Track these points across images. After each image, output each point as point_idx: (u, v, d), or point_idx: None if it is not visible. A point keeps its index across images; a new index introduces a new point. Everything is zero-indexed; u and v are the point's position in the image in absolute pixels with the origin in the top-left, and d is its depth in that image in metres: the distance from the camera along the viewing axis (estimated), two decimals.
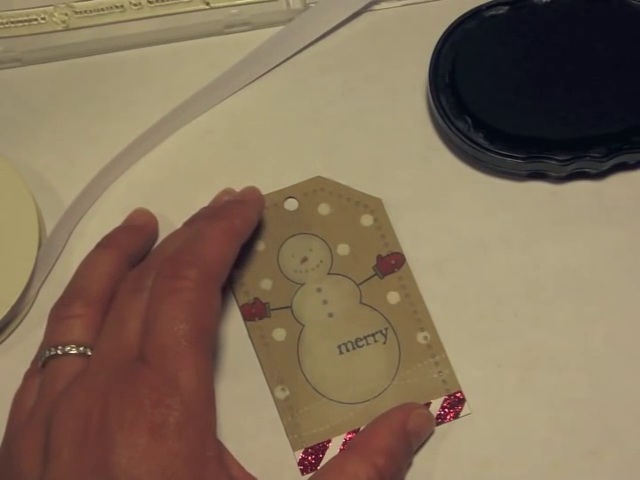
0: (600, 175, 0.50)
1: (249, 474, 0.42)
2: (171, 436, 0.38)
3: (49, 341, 0.44)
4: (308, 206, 0.50)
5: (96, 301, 0.44)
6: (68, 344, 0.43)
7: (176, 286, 0.41)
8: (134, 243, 0.47)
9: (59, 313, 0.44)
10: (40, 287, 0.49)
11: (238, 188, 0.50)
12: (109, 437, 0.38)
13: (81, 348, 0.42)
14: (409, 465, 0.45)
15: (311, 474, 0.44)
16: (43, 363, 0.43)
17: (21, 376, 0.47)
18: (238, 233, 0.45)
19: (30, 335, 0.48)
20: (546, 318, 0.48)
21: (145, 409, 0.38)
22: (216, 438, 0.40)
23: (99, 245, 0.47)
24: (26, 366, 0.47)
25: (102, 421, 0.38)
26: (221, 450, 0.41)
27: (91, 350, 0.42)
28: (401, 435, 0.44)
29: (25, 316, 0.48)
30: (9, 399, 0.46)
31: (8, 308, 0.47)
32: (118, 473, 0.37)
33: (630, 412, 0.46)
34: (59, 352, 0.43)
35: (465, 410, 0.46)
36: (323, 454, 0.46)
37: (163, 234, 0.50)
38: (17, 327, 0.48)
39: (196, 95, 0.52)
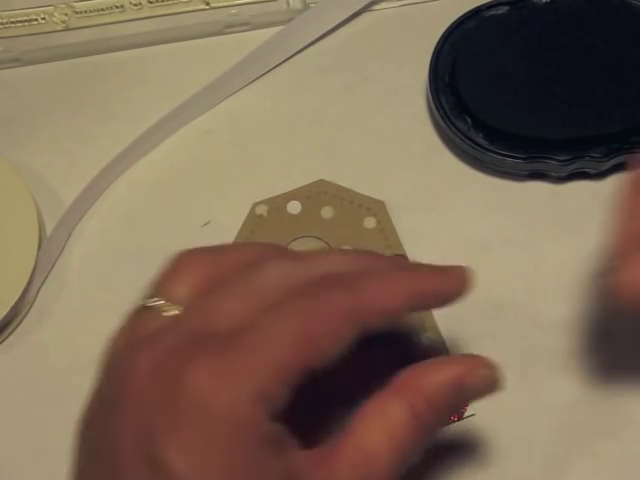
0: (600, 175, 0.50)
1: None
2: (217, 416, 0.33)
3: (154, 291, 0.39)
4: (311, 209, 0.50)
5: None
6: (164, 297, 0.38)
7: (311, 301, 0.35)
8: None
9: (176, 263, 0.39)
10: (40, 287, 0.49)
11: (240, 191, 0.50)
12: (152, 410, 0.34)
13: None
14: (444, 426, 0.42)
15: None
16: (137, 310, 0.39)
17: (21, 376, 0.47)
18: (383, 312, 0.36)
19: (30, 335, 0.48)
20: (546, 318, 0.48)
21: (189, 381, 0.33)
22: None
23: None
24: (27, 366, 0.48)
25: (149, 389, 0.34)
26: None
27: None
28: (453, 389, 0.37)
29: (25, 316, 0.48)
30: (9, 399, 0.46)
31: (8, 308, 0.47)
32: (159, 449, 0.33)
33: (630, 412, 0.46)
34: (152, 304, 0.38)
35: (469, 411, 0.46)
36: None
37: (162, 234, 0.50)
38: (17, 327, 0.48)
39: (196, 95, 0.52)
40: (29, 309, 0.49)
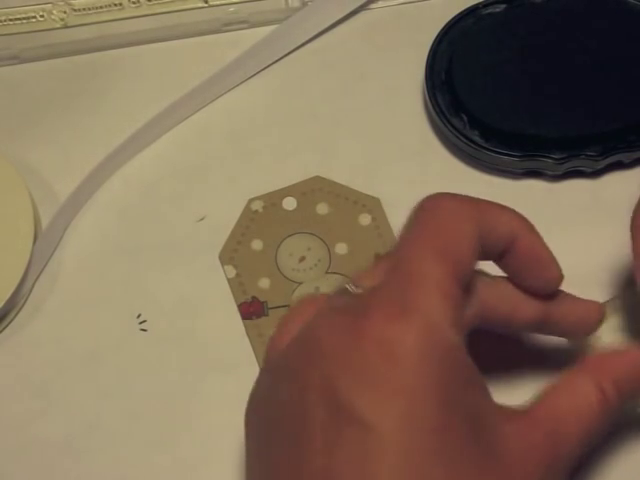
0: (595, 174, 0.50)
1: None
2: (408, 355, 0.33)
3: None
4: (307, 205, 0.50)
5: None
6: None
7: (429, 215, 0.37)
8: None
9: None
10: (35, 281, 0.49)
11: (236, 187, 0.50)
12: (337, 357, 0.34)
13: None
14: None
15: None
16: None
17: (15, 371, 0.47)
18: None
19: (24, 329, 0.48)
20: None
21: (377, 323, 0.34)
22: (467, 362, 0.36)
23: None
24: (21, 360, 0.48)
25: (332, 340, 0.35)
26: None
27: None
28: (637, 374, 0.39)
29: (20, 310, 0.49)
30: (4, 393, 0.46)
31: (2, 302, 0.47)
32: (346, 397, 0.34)
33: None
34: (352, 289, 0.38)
35: None
36: None
37: (157, 229, 0.50)
38: (11, 321, 0.48)
39: (192, 91, 0.52)
40: (24, 303, 0.49)
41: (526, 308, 0.41)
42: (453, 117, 0.50)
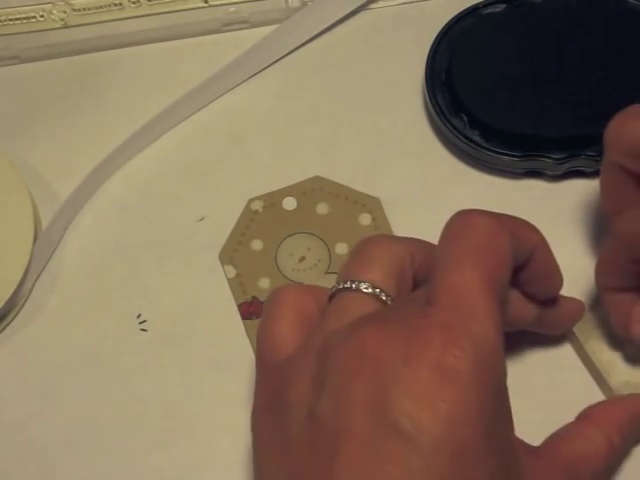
0: (595, 174, 0.50)
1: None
2: (462, 382, 0.34)
3: (345, 275, 0.40)
4: (307, 205, 0.50)
5: (406, 249, 0.41)
6: (363, 281, 0.39)
7: (465, 232, 0.38)
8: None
9: (363, 250, 0.41)
10: (35, 281, 0.49)
11: (236, 187, 0.50)
12: (389, 372, 0.35)
13: (377, 290, 0.39)
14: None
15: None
16: (332, 295, 0.39)
17: (15, 371, 0.47)
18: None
19: (24, 329, 0.48)
20: None
21: (434, 346, 0.34)
22: (507, 396, 0.37)
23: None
24: (21, 360, 0.48)
25: (384, 356, 0.35)
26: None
27: (386, 295, 0.39)
28: (636, 419, 0.43)
29: (20, 310, 0.49)
30: (4, 393, 0.46)
31: (3, 302, 0.47)
32: (396, 412, 0.34)
33: None
34: (353, 287, 0.39)
35: None
36: None
37: (157, 229, 0.50)
38: (11, 321, 0.48)
39: (193, 91, 0.52)
40: (24, 303, 0.49)
41: (527, 310, 0.42)
42: (453, 117, 0.50)
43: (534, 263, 0.40)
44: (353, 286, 0.39)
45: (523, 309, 0.42)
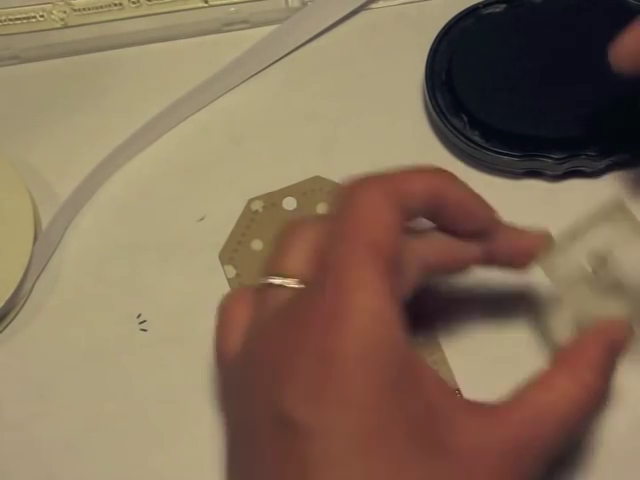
0: (595, 174, 0.50)
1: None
2: (347, 365, 0.34)
3: (265, 270, 0.40)
4: (307, 206, 0.50)
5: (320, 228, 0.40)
6: (278, 274, 0.39)
7: (348, 206, 0.38)
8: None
9: (278, 242, 0.41)
10: (35, 281, 0.49)
11: (236, 187, 0.50)
12: (280, 366, 0.36)
13: (287, 280, 0.39)
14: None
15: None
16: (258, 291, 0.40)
17: (15, 371, 0.47)
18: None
19: (25, 329, 0.48)
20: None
21: (314, 334, 0.35)
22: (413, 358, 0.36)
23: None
24: (21, 360, 0.48)
25: (279, 350, 0.36)
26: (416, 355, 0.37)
27: (298, 283, 0.39)
28: (608, 350, 0.40)
29: (20, 310, 0.49)
30: (4, 393, 0.46)
31: (3, 302, 0.47)
32: (287, 405, 0.35)
33: (622, 409, 0.46)
34: (269, 281, 0.39)
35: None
36: None
37: (157, 229, 0.50)
38: (12, 321, 0.48)
39: (192, 91, 0.52)
40: (24, 303, 0.49)
41: (469, 251, 0.42)
42: (453, 117, 0.50)
43: (448, 204, 0.40)
44: (269, 281, 0.39)
45: (463, 250, 0.41)
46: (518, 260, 0.43)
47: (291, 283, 0.39)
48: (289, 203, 0.50)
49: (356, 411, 0.34)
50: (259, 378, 0.37)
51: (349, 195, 0.38)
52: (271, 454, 0.35)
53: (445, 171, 0.40)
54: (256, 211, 0.50)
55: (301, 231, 0.40)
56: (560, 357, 0.40)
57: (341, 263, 0.36)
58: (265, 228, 0.49)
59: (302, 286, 0.38)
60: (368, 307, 0.35)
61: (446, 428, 0.35)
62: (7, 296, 0.47)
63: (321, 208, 0.50)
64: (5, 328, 0.48)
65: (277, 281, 0.39)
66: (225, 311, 0.41)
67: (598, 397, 0.39)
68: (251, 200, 0.50)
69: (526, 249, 0.43)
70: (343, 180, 0.39)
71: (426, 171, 0.40)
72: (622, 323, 0.41)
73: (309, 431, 0.34)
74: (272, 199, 0.50)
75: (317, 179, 0.50)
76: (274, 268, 0.40)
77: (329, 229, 0.38)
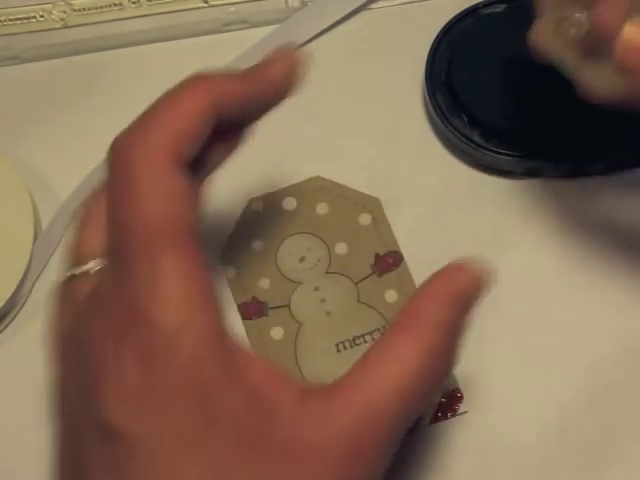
0: (595, 174, 0.50)
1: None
2: (160, 359, 0.31)
3: (66, 264, 0.37)
4: (306, 205, 0.50)
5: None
6: (77, 265, 0.36)
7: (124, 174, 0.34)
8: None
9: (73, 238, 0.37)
10: (35, 281, 0.49)
11: (236, 187, 0.50)
12: (94, 371, 0.32)
13: (84, 267, 0.35)
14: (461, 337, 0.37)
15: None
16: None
17: (15, 369, 0.47)
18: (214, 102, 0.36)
19: (25, 329, 0.48)
20: (540, 316, 0.48)
21: (129, 334, 0.32)
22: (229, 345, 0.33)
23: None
24: (21, 359, 0.48)
25: (92, 349, 0.33)
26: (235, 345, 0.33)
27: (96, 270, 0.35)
28: (448, 302, 0.34)
29: (20, 310, 0.49)
30: (4, 392, 0.46)
31: (3, 302, 0.47)
32: (105, 414, 0.32)
33: (623, 410, 0.46)
34: (69, 274, 0.36)
35: (462, 408, 0.46)
36: None
37: None
38: (12, 321, 0.48)
39: None
40: (24, 303, 0.49)
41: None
42: (453, 117, 0.50)
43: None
44: (69, 274, 0.36)
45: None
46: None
47: (92, 267, 0.35)
48: (289, 203, 0.50)
49: (177, 415, 0.31)
50: (78, 387, 0.33)
51: (121, 164, 0.34)
52: (97, 465, 0.32)
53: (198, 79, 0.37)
54: (256, 211, 0.50)
55: (90, 209, 0.37)
56: (399, 317, 0.34)
57: (137, 250, 0.32)
58: (265, 228, 0.49)
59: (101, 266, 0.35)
60: (175, 298, 0.32)
61: (273, 421, 0.31)
62: (7, 296, 0.47)
63: (321, 208, 0.50)
64: (5, 328, 0.48)
65: (78, 271, 0.35)
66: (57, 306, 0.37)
67: (443, 360, 0.34)
68: (251, 200, 0.50)
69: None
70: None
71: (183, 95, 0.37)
72: (471, 268, 0.36)
73: (133, 440, 0.31)
74: (272, 199, 0.50)
75: (317, 179, 0.50)
76: (73, 258, 0.36)
77: (111, 206, 0.34)
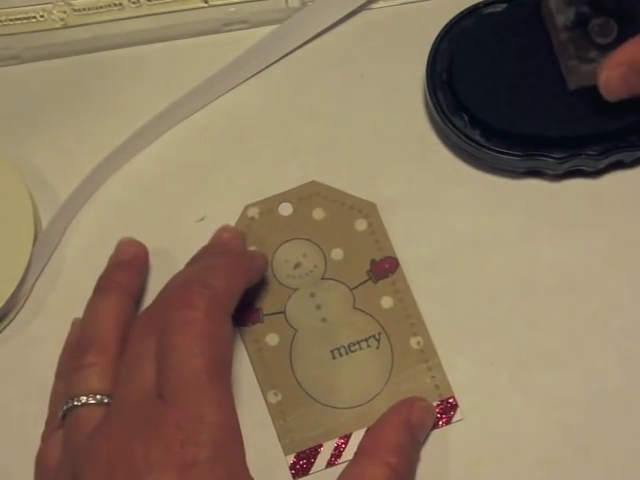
0: (596, 173, 0.50)
1: None
2: (204, 474, 0.37)
3: (67, 393, 0.43)
4: (302, 211, 0.50)
5: (108, 347, 0.43)
6: (86, 394, 0.42)
7: (187, 318, 0.40)
8: (132, 279, 0.47)
9: (73, 364, 0.44)
10: (35, 281, 0.49)
11: (235, 188, 0.50)
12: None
13: (99, 397, 0.42)
14: (419, 458, 0.45)
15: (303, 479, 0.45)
16: (63, 415, 0.42)
17: (16, 371, 0.47)
18: (246, 268, 0.45)
19: (24, 329, 0.48)
20: (540, 316, 0.48)
21: (173, 449, 0.37)
22: (247, 469, 0.39)
23: (99, 290, 0.46)
24: (21, 360, 0.48)
25: (129, 467, 0.37)
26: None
27: (109, 398, 0.42)
28: (407, 430, 0.44)
29: (20, 310, 0.49)
30: (4, 392, 0.46)
31: (3, 302, 0.47)
32: None
33: (622, 410, 0.46)
34: (77, 403, 0.42)
35: (457, 416, 0.46)
36: (315, 459, 0.46)
37: (157, 229, 0.50)
38: (12, 321, 0.48)
39: (192, 91, 0.52)
40: (24, 303, 0.49)
41: None
42: (454, 116, 0.50)
43: None
44: (76, 402, 0.41)
45: None
46: None
47: (106, 399, 0.42)
48: (285, 209, 0.50)
49: None
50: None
51: (184, 304, 0.41)
52: None
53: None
54: (252, 218, 0.50)
55: (92, 349, 0.43)
56: (364, 443, 0.44)
57: (192, 379, 0.39)
58: (261, 235, 0.49)
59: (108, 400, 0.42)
60: (220, 422, 0.38)
61: None
62: (7, 296, 0.47)
63: (317, 214, 0.50)
64: (5, 328, 0.48)
65: (92, 401, 0.42)
66: (39, 464, 0.44)
67: (404, 476, 0.43)
68: (247, 207, 0.50)
69: None
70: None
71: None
72: (420, 401, 0.45)
73: None
74: (268, 205, 0.50)
75: (313, 184, 0.50)
76: (77, 391, 0.42)
77: (166, 335, 0.40)
